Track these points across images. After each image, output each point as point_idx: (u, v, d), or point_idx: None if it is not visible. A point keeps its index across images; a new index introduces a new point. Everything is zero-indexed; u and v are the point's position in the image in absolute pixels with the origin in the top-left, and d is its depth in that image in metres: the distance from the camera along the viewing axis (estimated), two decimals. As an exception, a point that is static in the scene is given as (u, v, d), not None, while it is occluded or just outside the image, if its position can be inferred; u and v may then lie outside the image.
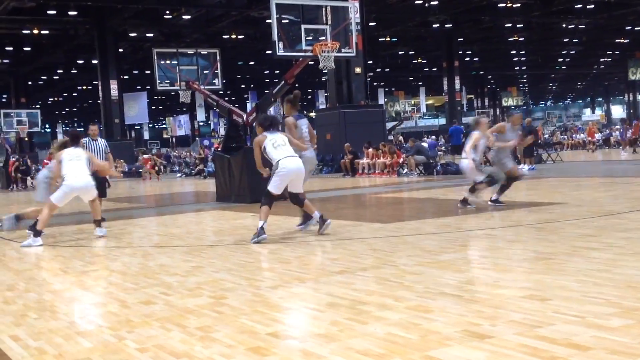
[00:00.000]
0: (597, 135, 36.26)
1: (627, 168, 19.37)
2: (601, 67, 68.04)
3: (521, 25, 43.53)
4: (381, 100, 54.15)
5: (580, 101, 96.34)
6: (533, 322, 3.67)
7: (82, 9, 33.45)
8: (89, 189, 8.95)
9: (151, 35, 39.56)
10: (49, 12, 32.69)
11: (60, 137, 70.70)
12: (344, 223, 8.85)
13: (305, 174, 8.08)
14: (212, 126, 69.84)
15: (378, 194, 14.95)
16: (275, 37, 12.75)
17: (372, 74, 49.33)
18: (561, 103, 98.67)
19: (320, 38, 13.25)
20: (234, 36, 40.46)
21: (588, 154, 29.92)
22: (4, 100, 55.89)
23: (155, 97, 59.62)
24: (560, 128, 56.06)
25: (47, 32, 37.55)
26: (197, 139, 59.96)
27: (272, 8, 12.80)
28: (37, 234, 8.61)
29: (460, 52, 46.79)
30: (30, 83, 50.16)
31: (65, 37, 39.18)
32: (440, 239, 7.03)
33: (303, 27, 13.11)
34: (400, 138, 37.64)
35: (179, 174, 34.21)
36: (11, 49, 41.68)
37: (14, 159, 28.63)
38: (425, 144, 22.54)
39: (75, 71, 50.57)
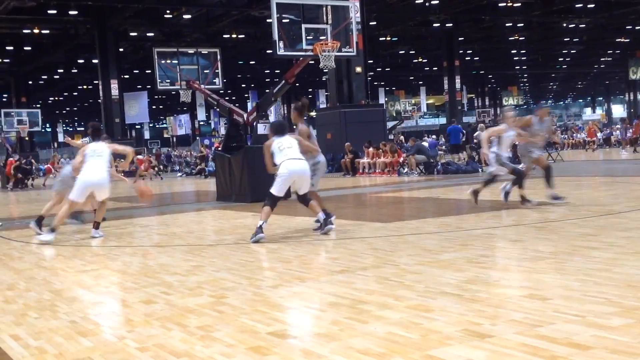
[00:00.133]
0: (598, 135, 36.24)
1: (628, 167, 19.36)
2: (602, 66, 68.02)
3: (522, 24, 43.54)
4: (382, 99, 54.19)
5: (581, 100, 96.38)
6: (533, 321, 3.67)
7: (82, 9, 33.47)
8: (104, 186, 9.06)
9: (152, 34, 39.58)
10: (49, 11, 32.72)
11: (60, 136, 70.85)
12: (345, 222, 8.84)
13: (317, 178, 8.33)
14: (212, 125, 69.89)
15: (378, 193, 14.95)
16: (275, 36, 12.74)
17: (372, 73, 49.33)
18: (562, 102, 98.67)
19: (321, 37, 13.23)
20: (234, 35, 40.47)
21: (588, 154, 29.91)
22: (4, 99, 55.93)
23: (156, 97, 59.63)
24: (561, 127, 56.03)
25: (47, 31, 37.58)
26: (197, 138, 59.99)
27: (272, 7, 12.79)
28: (53, 229, 8.77)
29: (460, 52, 46.78)
30: (30, 82, 50.17)
31: (65, 36, 39.19)
32: (441, 239, 7.03)
33: (303, 26, 13.10)
34: (402, 137, 37.62)
35: (179, 174, 34.23)
36: (12, 48, 41.73)
37: (12, 159, 28.58)
38: (425, 144, 22.54)
39: (76, 71, 50.60)
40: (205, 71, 17.39)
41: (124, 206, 14.58)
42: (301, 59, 13.41)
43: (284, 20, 13.15)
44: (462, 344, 3.36)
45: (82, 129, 75.00)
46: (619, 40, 50.67)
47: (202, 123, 68.38)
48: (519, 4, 37.49)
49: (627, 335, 3.34)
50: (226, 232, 8.91)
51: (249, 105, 53.28)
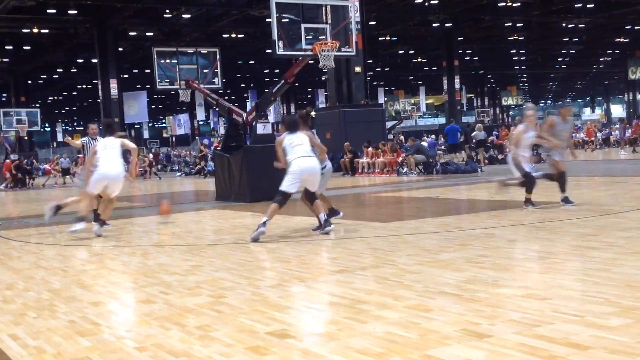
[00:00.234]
0: (598, 135, 36.23)
1: (627, 167, 19.38)
2: (601, 66, 68.02)
3: (521, 24, 43.52)
4: (381, 99, 54.19)
5: (580, 100, 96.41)
6: (532, 321, 3.67)
7: (82, 8, 33.44)
8: (120, 179, 9.24)
9: (151, 34, 39.55)
10: (48, 11, 32.68)
11: (59, 136, 70.84)
12: (344, 222, 8.84)
13: (324, 182, 8.43)
14: (211, 125, 69.87)
15: (378, 193, 14.95)
16: (275, 36, 12.74)
17: (372, 73, 49.28)
18: (561, 102, 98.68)
19: (320, 37, 13.23)
20: (233, 35, 40.44)
21: (587, 153, 29.91)
22: (3, 99, 55.90)
23: (155, 96, 59.60)
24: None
25: (47, 31, 37.53)
26: (196, 138, 59.93)
27: (272, 7, 12.78)
28: (81, 219, 9.07)
29: (460, 51, 46.76)
30: (30, 82, 50.13)
31: (65, 36, 39.16)
32: (440, 238, 7.03)
33: (303, 26, 13.10)
34: (401, 137, 37.62)
35: (178, 173, 34.21)
36: (11, 47, 41.67)
37: (10, 160, 28.50)
38: (425, 143, 22.54)
39: (75, 70, 50.55)
40: (204, 71, 17.39)
41: (123, 206, 14.56)
42: (300, 58, 13.42)
43: (283, 20, 13.16)
44: (460, 344, 3.36)
45: (82, 128, 75.06)
46: (618, 40, 50.65)
47: (201, 123, 68.37)
48: (519, 4, 37.47)
49: (626, 335, 3.34)
50: (225, 232, 8.91)
51: (249, 105, 53.28)
